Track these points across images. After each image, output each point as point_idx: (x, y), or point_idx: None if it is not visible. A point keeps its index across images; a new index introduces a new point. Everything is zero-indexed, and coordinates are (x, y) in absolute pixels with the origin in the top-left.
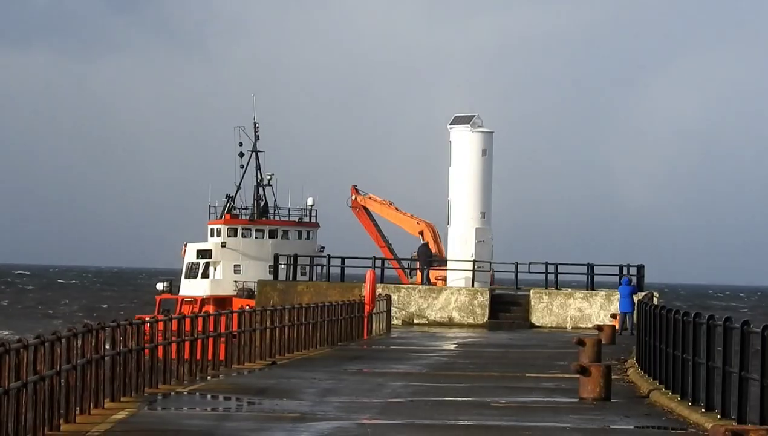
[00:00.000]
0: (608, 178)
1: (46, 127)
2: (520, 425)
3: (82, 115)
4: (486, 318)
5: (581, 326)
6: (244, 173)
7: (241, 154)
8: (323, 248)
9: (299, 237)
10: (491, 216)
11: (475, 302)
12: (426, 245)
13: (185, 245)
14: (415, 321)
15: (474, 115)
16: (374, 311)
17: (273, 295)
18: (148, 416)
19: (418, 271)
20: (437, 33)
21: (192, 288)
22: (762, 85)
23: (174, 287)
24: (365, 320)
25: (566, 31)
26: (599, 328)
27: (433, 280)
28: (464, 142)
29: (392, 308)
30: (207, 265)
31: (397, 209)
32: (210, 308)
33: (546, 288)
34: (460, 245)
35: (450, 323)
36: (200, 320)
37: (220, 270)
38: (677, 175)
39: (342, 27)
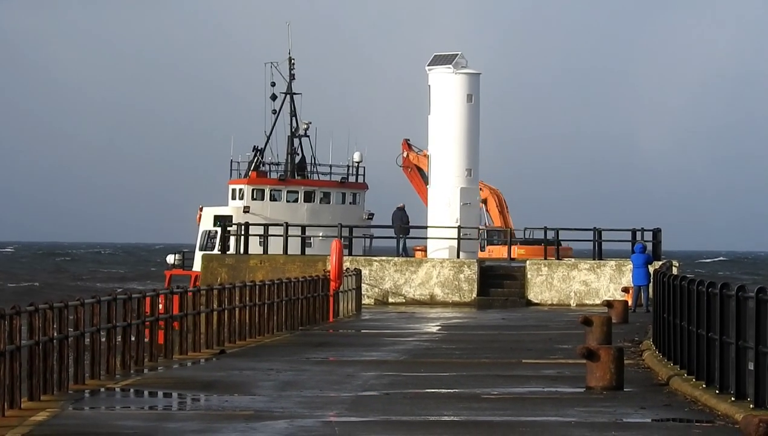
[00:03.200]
0: (620, 127)
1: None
2: (515, 420)
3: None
4: (474, 295)
5: (587, 302)
6: (275, 121)
7: (273, 97)
8: (372, 214)
9: (343, 201)
10: (478, 174)
11: (461, 276)
12: (402, 208)
13: (201, 209)
14: (390, 300)
15: (457, 54)
16: (341, 288)
17: (221, 271)
18: (73, 417)
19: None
20: None
21: None
22: None
23: (188, 259)
24: (331, 299)
25: None
26: (609, 304)
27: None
28: (445, 87)
29: (363, 284)
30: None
31: None
32: None
33: (545, 258)
34: (443, 209)
35: (431, 302)
36: (135, 301)
37: (243, 241)
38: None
39: None
